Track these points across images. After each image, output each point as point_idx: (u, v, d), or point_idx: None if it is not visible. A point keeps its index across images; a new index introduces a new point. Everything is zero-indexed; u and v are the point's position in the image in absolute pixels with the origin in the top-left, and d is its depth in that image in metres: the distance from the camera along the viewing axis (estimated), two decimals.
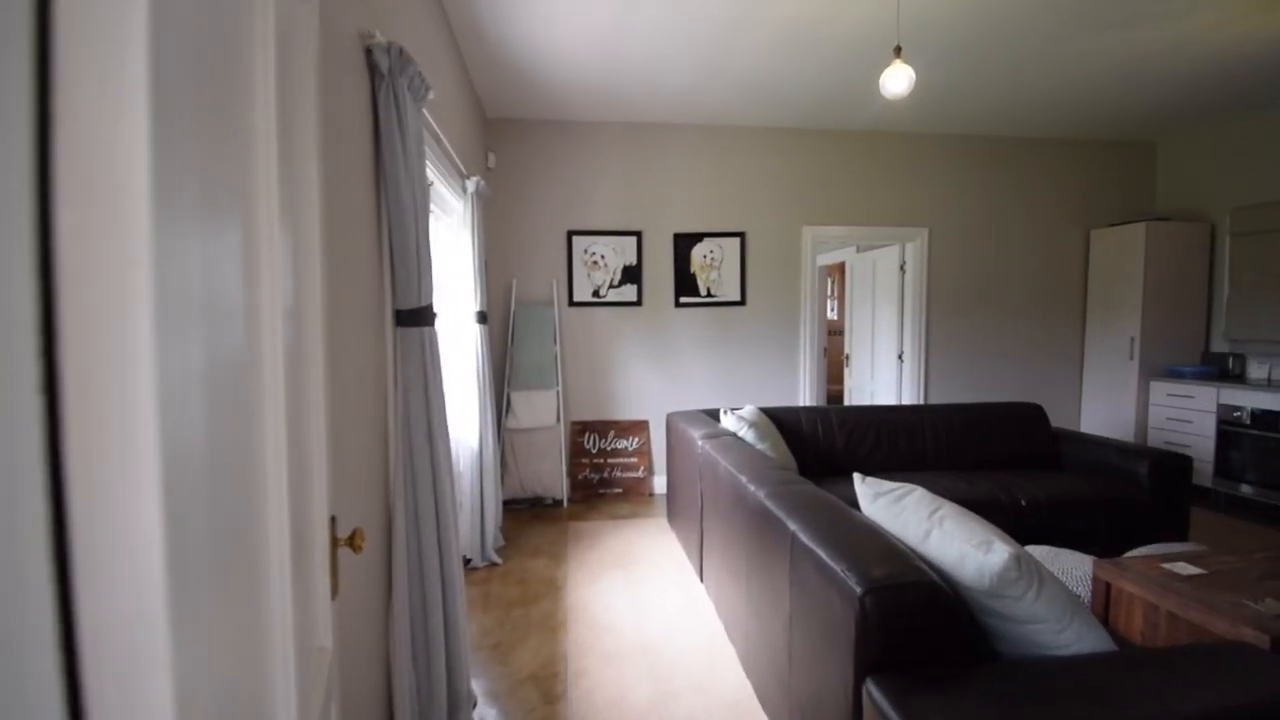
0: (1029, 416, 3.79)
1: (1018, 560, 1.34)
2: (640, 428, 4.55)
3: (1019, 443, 3.70)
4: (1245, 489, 3.90)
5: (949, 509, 1.56)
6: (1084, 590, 2.58)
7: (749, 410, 3.36)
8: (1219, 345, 4.56)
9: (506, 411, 4.27)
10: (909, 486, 1.68)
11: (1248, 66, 3.53)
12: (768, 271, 4.65)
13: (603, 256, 4.48)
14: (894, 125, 4.55)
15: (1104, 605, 2.22)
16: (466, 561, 3.14)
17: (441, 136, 2.48)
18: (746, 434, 3.05)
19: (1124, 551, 3.23)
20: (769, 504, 1.87)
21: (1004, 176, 4.86)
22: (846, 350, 5.89)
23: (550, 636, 2.46)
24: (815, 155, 4.63)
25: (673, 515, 3.60)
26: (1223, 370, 4.40)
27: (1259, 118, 4.27)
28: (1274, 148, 4.18)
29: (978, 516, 1.54)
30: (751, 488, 2.04)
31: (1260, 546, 3.12)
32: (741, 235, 4.58)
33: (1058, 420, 4.92)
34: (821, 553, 1.51)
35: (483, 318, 3.25)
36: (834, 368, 7.65)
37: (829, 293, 8.25)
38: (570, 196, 4.42)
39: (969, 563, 1.39)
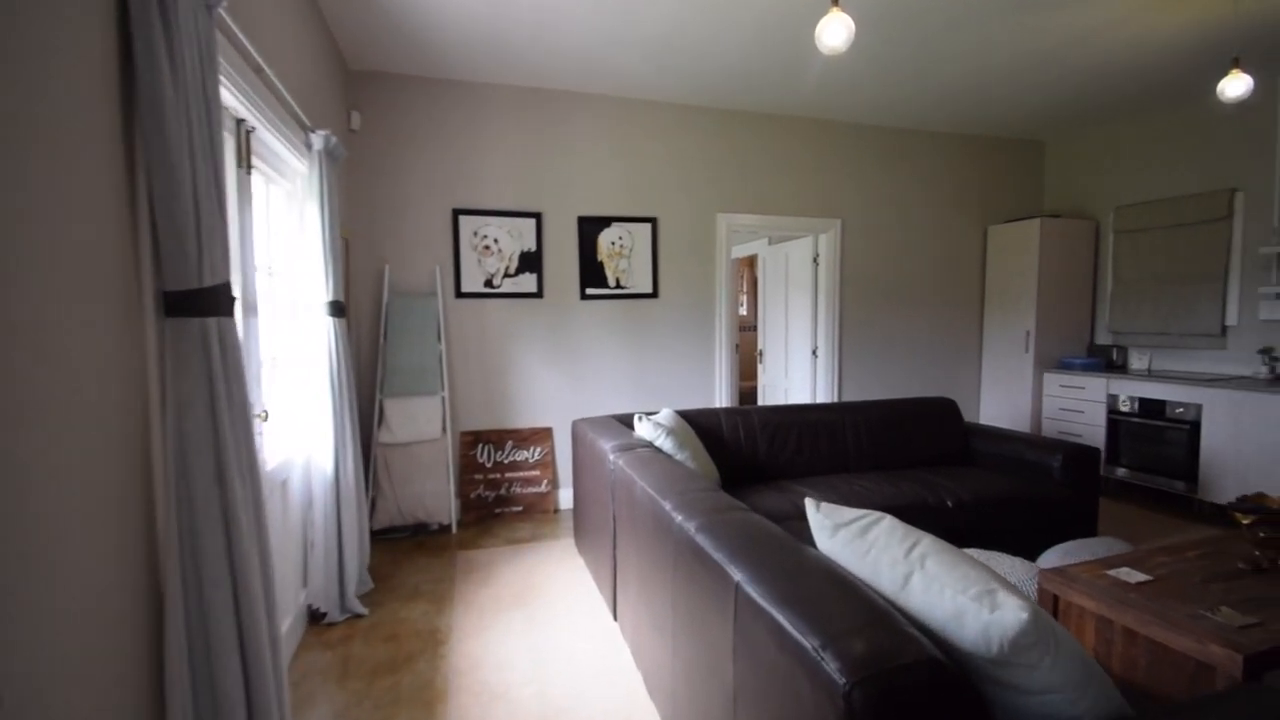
0: (943, 411, 3.70)
1: (1035, 620, 1.02)
2: (542, 436, 4.05)
3: (935, 439, 3.59)
4: (1133, 474, 4.04)
5: (928, 543, 1.22)
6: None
7: (665, 415, 2.97)
8: (1103, 338, 4.78)
9: (379, 423, 3.61)
10: (874, 514, 1.34)
11: (1131, 71, 3.62)
12: (682, 261, 4.30)
13: (496, 241, 3.93)
14: (809, 111, 4.35)
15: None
16: (320, 616, 2.51)
17: (264, 66, 1.87)
18: (664, 443, 2.66)
19: (1044, 549, 3.18)
20: (702, 541, 1.47)
21: (911, 170, 4.82)
22: (760, 346, 5.70)
23: (425, 715, 1.93)
24: (730, 138, 4.34)
25: (581, 537, 3.15)
26: (1108, 362, 4.59)
27: (1139, 121, 4.47)
28: (1153, 149, 4.40)
29: (962, 552, 1.22)
30: (678, 518, 1.63)
31: (1166, 535, 3.23)
32: (653, 221, 4.20)
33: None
34: (780, 616, 1.12)
35: (338, 309, 2.63)
36: (746, 365, 7.51)
37: (739, 288, 8.11)
38: (457, 170, 3.83)
39: (969, 622, 1.06)
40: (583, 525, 3.04)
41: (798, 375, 5.04)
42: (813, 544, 1.60)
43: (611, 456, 2.41)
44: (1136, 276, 4.46)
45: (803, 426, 3.40)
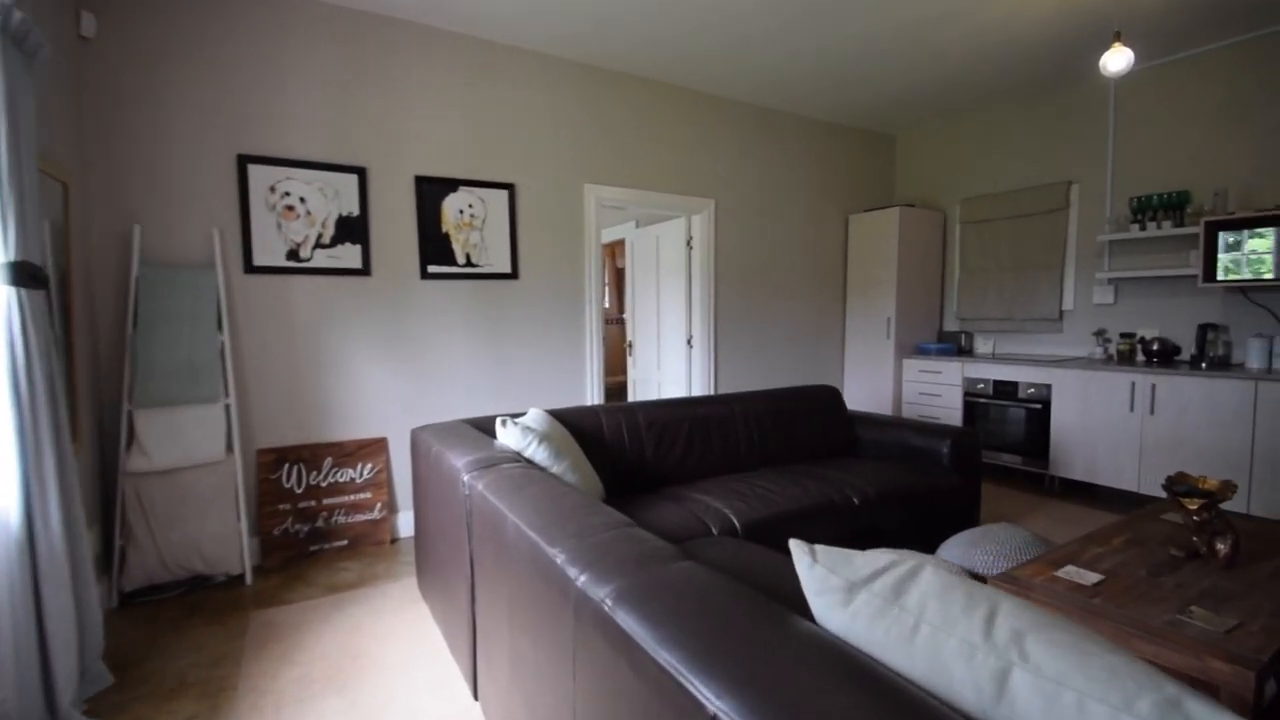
0: (828, 400, 3.50)
1: None
2: (374, 449, 3.21)
3: (822, 429, 3.37)
4: (990, 454, 4.20)
5: (1010, 608, 0.77)
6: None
7: (535, 417, 2.36)
8: (951, 324, 4.99)
9: (127, 445, 2.56)
10: (901, 560, 0.88)
11: (973, 67, 3.71)
12: (545, 237, 3.68)
13: (303, 200, 3.02)
14: (683, 79, 3.96)
15: None
16: None
17: None
18: (537, 453, 2.05)
19: (939, 540, 3.07)
20: (630, 623, 0.90)
21: (781, 153, 4.66)
22: (629, 337, 5.25)
23: None
24: (600, 101, 3.81)
25: (425, 576, 2.42)
26: (958, 347, 4.78)
27: (983, 116, 4.69)
28: (996, 144, 4.63)
29: (1065, 622, 0.78)
30: (580, 577, 1.05)
31: (1043, 515, 3.24)
32: (510, 188, 3.53)
33: None
34: None
35: (25, 275, 1.67)
36: (613, 359, 7.05)
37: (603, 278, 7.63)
38: (244, 104, 2.86)
39: None
40: (428, 563, 2.32)
41: (672, 367, 4.66)
42: (793, 598, 1.12)
43: (466, 478, 1.76)
44: (982, 265, 4.69)
45: (693, 422, 2.97)
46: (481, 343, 3.50)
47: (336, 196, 3.09)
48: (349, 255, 3.13)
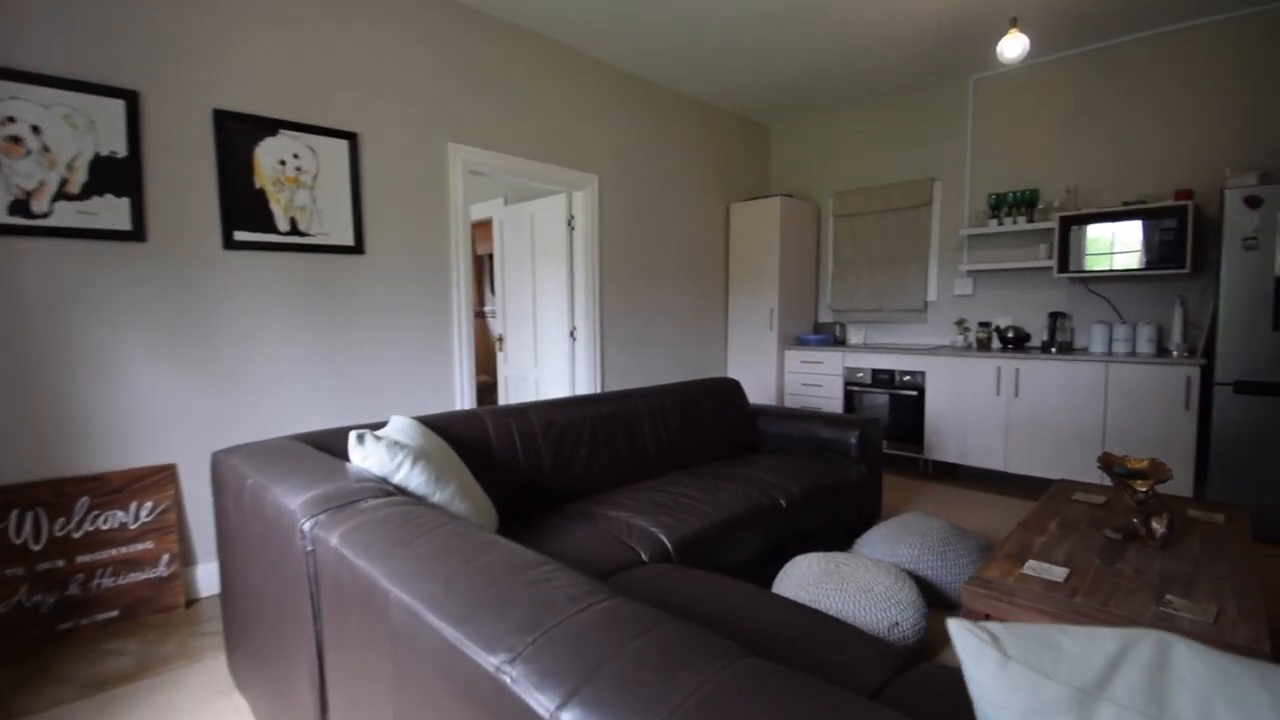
0: (730, 393, 3.26)
1: None
2: (156, 482, 2.34)
3: (727, 425, 3.12)
4: None
5: None
6: (904, 613, 1.96)
7: (402, 427, 1.77)
8: (825, 315, 5.07)
9: None
10: (1136, 640, 0.52)
11: (843, 60, 3.74)
12: (400, 203, 3.00)
13: (37, 131, 2.09)
14: (563, 34, 3.48)
15: None
16: None
17: None
18: (412, 478, 1.49)
19: (852, 536, 2.94)
20: None
21: (667, 132, 4.37)
22: (499, 331, 4.64)
23: None
24: (469, 44, 3.20)
25: (240, 654, 1.70)
26: (833, 337, 4.85)
27: (851, 112, 4.79)
28: (865, 140, 4.74)
29: None
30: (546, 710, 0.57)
31: (940, 500, 3.14)
32: (352, 138, 2.81)
33: None
34: None
35: None
36: (478, 356, 6.32)
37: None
38: None
39: None
40: (244, 638, 1.63)
41: (552, 363, 4.17)
42: (831, 666, 0.73)
43: (307, 525, 1.16)
44: (854, 258, 4.80)
45: (596, 423, 2.53)
46: (315, 335, 2.74)
47: (92, 129, 2.19)
48: (111, 212, 2.23)
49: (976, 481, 3.95)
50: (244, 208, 2.51)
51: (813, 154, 5.05)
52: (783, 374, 4.74)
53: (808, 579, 2.11)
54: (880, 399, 4.21)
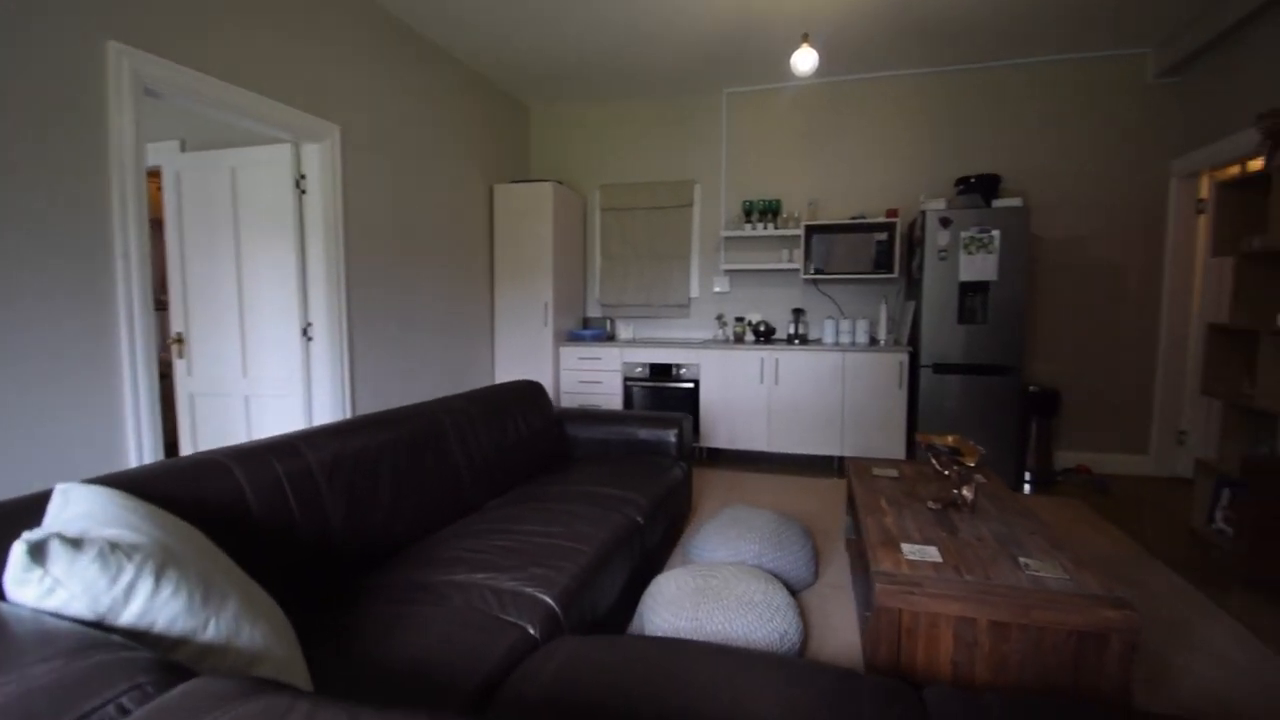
0: (534, 397, 2.85)
1: None
2: None
3: (537, 435, 2.72)
4: None
5: None
6: (788, 618, 1.87)
7: (95, 508, 0.96)
8: (594, 310, 4.95)
9: None
10: None
11: (611, 55, 3.69)
12: (21, 133, 1.79)
13: None
14: None
15: (896, 641, 1.54)
16: None
17: None
18: (156, 608, 0.80)
19: (676, 539, 2.81)
20: None
21: (429, 91, 3.65)
22: (178, 328, 3.30)
23: None
24: None
25: None
26: (606, 333, 4.76)
27: (617, 106, 4.73)
28: (632, 136, 4.73)
29: None
30: None
31: (742, 489, 3.22)
32: None
33: None
34: None
35: None
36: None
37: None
38: None
39: None
40: None
41: (273, 371, 3.11)
42: None
43: None
44: (622, 253, 4.77)
45: (399, 448, 1.88)
46: None
47: None
48: None
49: (741, 464, 4.28)
50: None
51: (576, 143, 4.85)
52: (558, 372, 4.45)
53: (680, 601, 1.88)
54: (658, 392, 4.25)
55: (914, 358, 3.72)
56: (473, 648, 1.23)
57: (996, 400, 3.53)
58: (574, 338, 4.56)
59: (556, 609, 1.43)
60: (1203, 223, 3.56)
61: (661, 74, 4.16)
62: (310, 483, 1.56)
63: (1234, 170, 3.33)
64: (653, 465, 2.68)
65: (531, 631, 1.34)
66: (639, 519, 2.09)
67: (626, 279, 4.77)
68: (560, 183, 4.45)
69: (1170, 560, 2.63)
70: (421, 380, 3.70)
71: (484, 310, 4.37)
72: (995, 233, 3.42)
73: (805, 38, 2.78)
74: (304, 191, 3.01)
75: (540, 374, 4.40)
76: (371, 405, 3.32)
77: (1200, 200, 3.57)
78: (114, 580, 0.75)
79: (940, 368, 3.58)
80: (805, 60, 2.75)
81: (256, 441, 1.56)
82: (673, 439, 2.82)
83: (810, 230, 4.00)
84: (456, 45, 3.77)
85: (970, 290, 3.51)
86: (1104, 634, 1.42)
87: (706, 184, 4.57)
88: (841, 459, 4.00)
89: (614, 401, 4.35)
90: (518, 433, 2.55)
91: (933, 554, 1.71)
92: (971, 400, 3.56)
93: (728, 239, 4.50)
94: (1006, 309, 3.46)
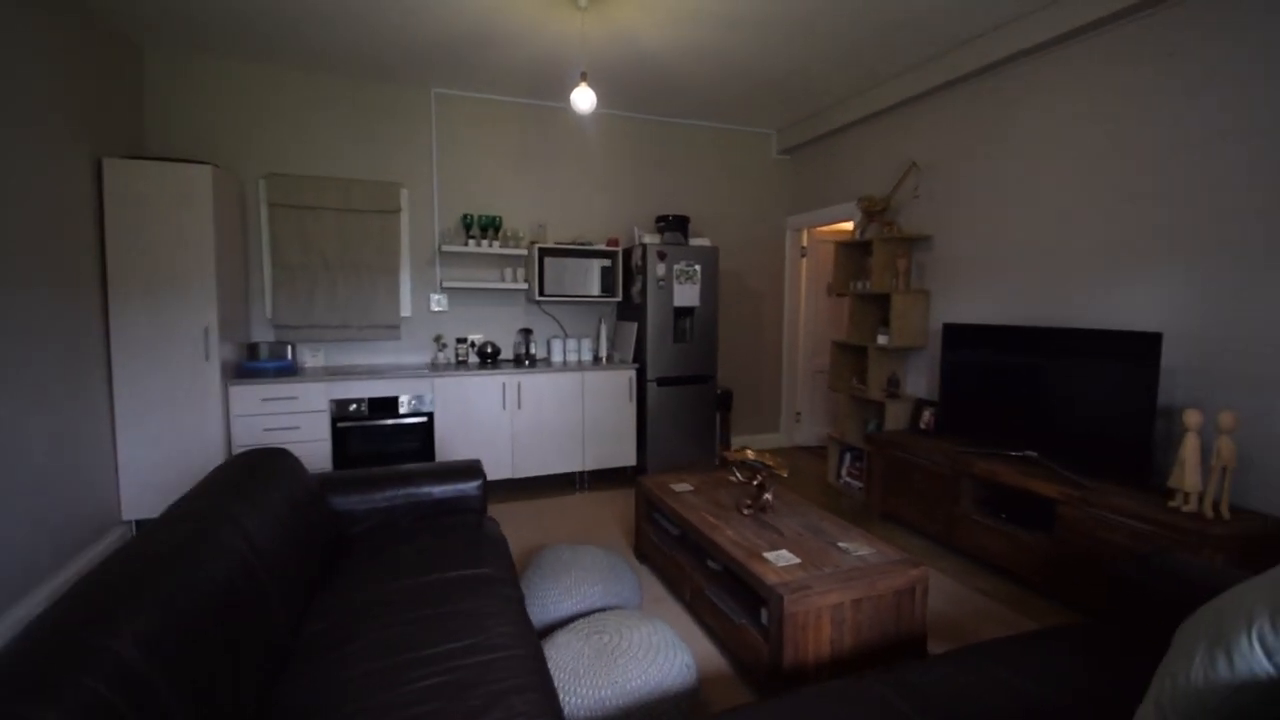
0: (290, 470, 2.15)
1: None
2: None
3: (311, 526, 2.06)
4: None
5: None
6: (684, 653, 1.96)
7: None
8: (263, 333, 3.86)
9: None
10: None
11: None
12: None
13: None
14: None
15: (796, 638, 1.83)
16: None
17: None
18: None
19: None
20: None
21: None
22: None
23: None
24: None
25: None
26: (289, 362, 3.77)
27: (297, 77, 3.76)
28: (315, 117, 3.82)
29: None
30: None
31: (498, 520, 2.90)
32: None
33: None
34: None
35: None
36: None
37: None
38: None
39: None
40: None
41: None
42: None
43: None
44: (305, 262, 3.85)
45: (211, 601, 1.21)
46: None
47: None
48: None
49: (498, 491, 4.04)
50: None
51: (224, 111, 3.68)
52: (229, 420, 3.35)
53: (591, 664, 1.79)
54: (381, 430, 3.64)
55: (640, 373, 4.17)
56: None
57: (700, 403, 4.27)
58: (249, 372, 3.50)
59: None
60: (804, 265, 5.07)
61: (349, 46, 3.49)
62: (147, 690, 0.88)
63: (827, 229, 4.85)
64: (462, 526, 2.33)
65: None
66: (517, 594, 1.84)
67: (314, 294, 3.89)
68: (219, 167, 3.32)
69: (824, 507, 3.71)
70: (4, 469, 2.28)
71: (94, 346, 2.95)
72: (698, 266, 4.13)
73: (584, 76, 2.80)
74: None
75: (203, 429, 3.23)
76: None
77: (803, 248, 5.07)
78: None
79: (663, 381, 4.12)
80: (584, 100, 2.77)
81: None
82: (475, 491, 2.51)
83: (543, 252, 4.03)
84: None
85: (681, 314, 4.14)
86: (912, 588, 1.99)
87: (417, 190, 4.09)
88: (584, 474, 4.19)
89: (319, 450, 3.53)
90: (295, 529, 1.88)
91: (789, 558, 2.05)
92: (684, 405, 4.22)
93: (446, 254, 4.14)
94: (705, 329, 4.22)
